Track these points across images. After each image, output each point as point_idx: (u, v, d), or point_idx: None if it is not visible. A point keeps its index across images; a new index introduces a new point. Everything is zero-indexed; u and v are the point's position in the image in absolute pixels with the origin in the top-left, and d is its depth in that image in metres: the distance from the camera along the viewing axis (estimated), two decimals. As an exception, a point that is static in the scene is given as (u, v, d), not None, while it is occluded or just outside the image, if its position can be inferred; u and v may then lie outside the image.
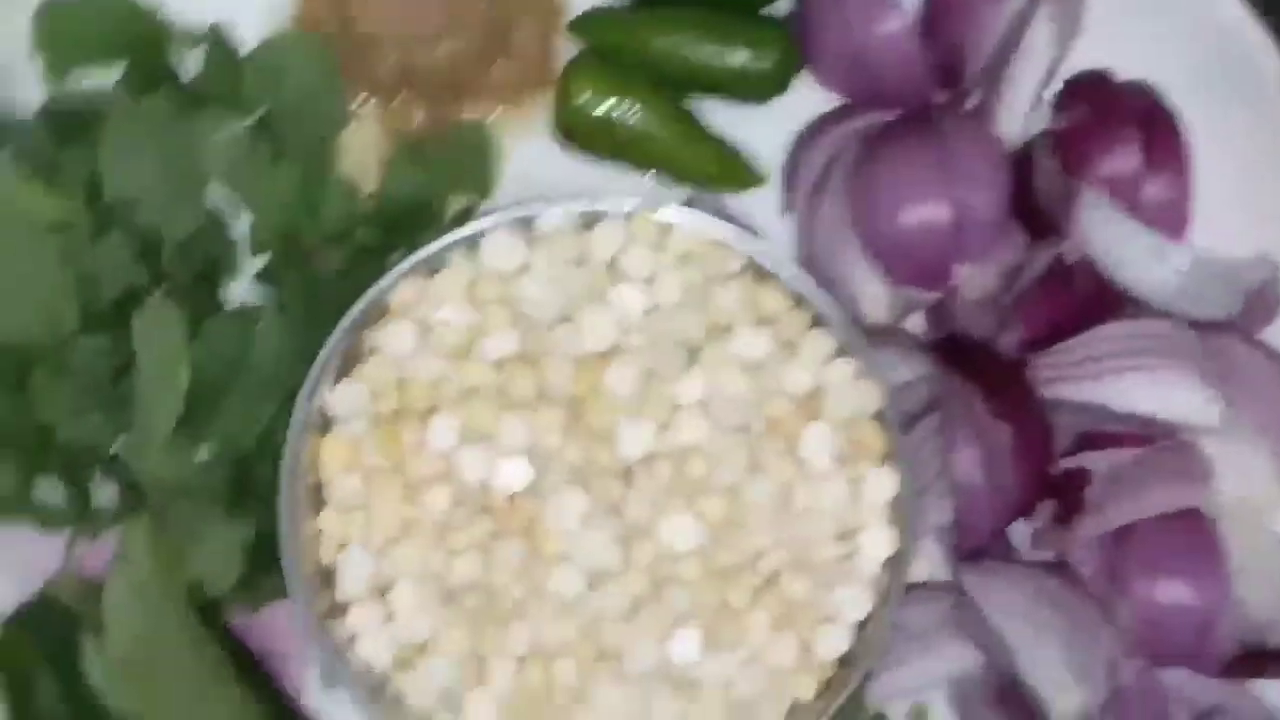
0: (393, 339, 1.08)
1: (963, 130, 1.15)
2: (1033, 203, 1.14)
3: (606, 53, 1.18)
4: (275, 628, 1.14)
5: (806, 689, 1.07)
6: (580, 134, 1.17)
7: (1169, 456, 1.11)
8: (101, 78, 1.16)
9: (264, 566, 1.09)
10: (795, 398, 1.08)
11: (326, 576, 1.08)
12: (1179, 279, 1.13)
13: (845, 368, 1.08)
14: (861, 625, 1.08)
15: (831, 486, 1.07)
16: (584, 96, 1.17)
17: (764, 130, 1.19)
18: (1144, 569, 1.11)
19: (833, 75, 1.20)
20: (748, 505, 1.06)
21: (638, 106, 1.18)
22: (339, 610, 1.07)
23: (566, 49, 1.20)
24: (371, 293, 1.08)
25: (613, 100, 1.17)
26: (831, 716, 1.07)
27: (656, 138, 1.18)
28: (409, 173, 1.17)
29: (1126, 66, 1.18)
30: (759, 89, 1.19)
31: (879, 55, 1.17)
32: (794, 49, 1.18)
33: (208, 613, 1.10)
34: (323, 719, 1.14)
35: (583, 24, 1.19)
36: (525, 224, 1.10)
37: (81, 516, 1.12)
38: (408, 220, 1.15)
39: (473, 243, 1.09)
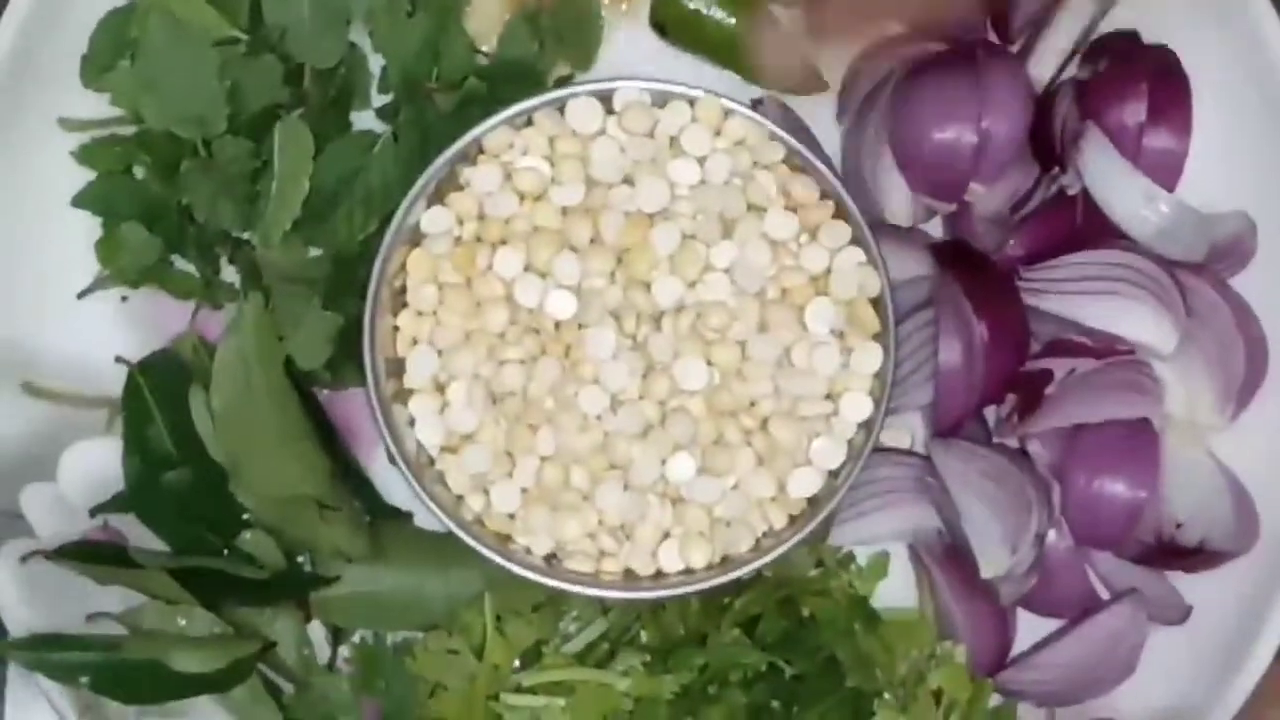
0: (481, 176, 1.24)
1: (999, 67, 1.28)
2: (1048, 139, 1.29)
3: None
4: (355, 406, 1.31)
5: (778, 520, 1.23)
6: (673, 26, 1.32)
7: (1126, 371, 1.26)
8: None
9: (348, 353, 1.26)
10: (809, 274, 1.23)
11: (397, 367, 1.24)
12: (1160, 221, 1.26)
13: (854, 255, 1.23)
14: (832, 475, 1.23)
15: (826, 352, 1.22)
16: (680, -8, 1.31)
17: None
18: (1088, 462, 1.26)
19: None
20: (753, 359, 1.22)
21: (726, 7, 1.33)
22: (404, 396, 1.24)
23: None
24: (470, 134, 1.23)
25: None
26: (794, 545, 1.23)
27: (740, 37, 1.33)
28: (522, 37, 1.31)
29: (1155, 33, 1.31)
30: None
31: (942, -10, 1.32)
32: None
33: (298, 384, 1.26)
34: (383, 486, 1.31)
35: (690, -71, 1.33)
36: (606, 95, 1.26)
37: (207, 289, 1.29)
38: (515, 79, 1.30)
39: (560, 105, 1.25)
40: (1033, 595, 1.27)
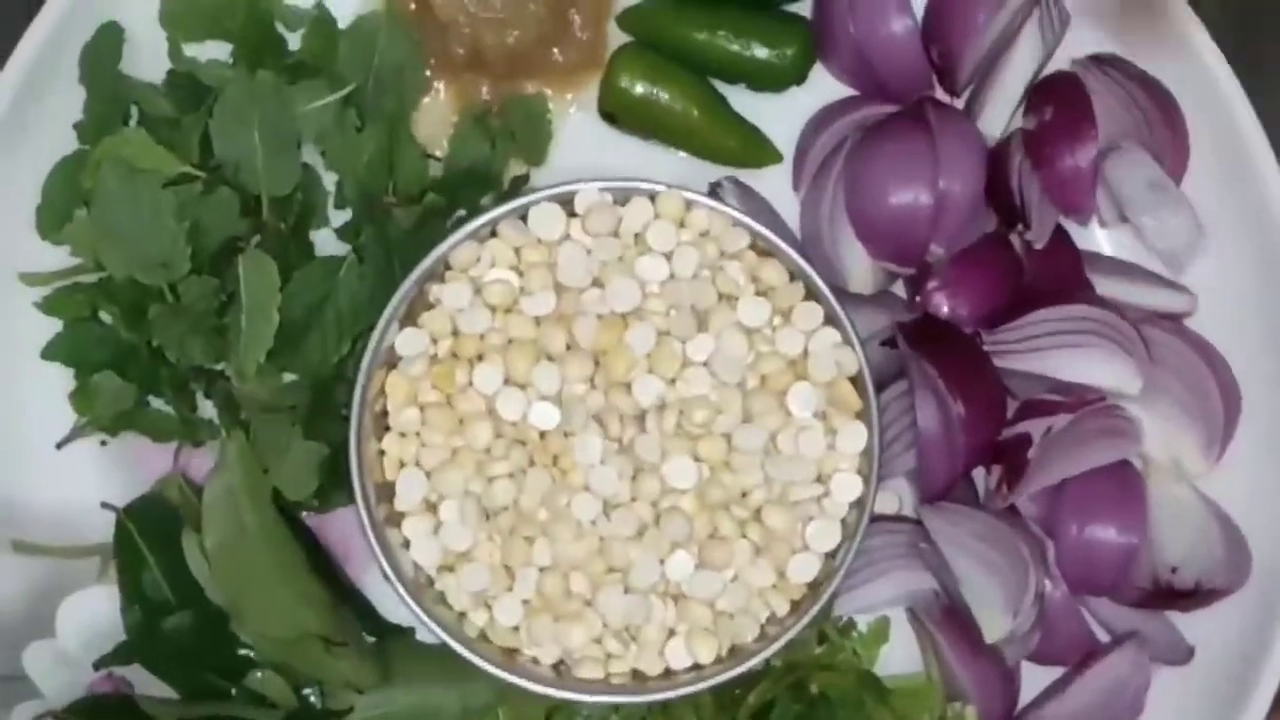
0: (451, 294, 1.24)
1: (950, 125, 1.30)
2: (1005, 193, 1.30)
3: (648, 43, 1.34)
4: (343, 530, 1.31)
5: (780, 606, 1.24)
6: (622, 112, 1.33)
7: (1101, 419, 1.27)
8: (219, 51, 1.31)
9: (335, 478, 1.26)
10: (786, 359, 1.24)
11: (387, 490, 1.25)
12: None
13: (830, 335, 1.24)
14: (830, 556, 1.25)
15: (811, 436, 1.23)
16: (626, 80, 1.33)
17: (783, 115, 1.35)
18: (1077, 512, 1.28)
19: (842, 67, 1.35)
20: (740, 450, 1.23)
21: (673, 90, 1.34)
22: (396, 519, 1.25)
23: (614, 39, 1.35)
24: (436, 252, 1.24)
25: (651, 84, 1.33)
26: (799, 631, 1.24)
27: (689, 118, 1.34)
28: (474, 140, 1.32)
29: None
30: (779, 79, 1.35)
31: (884, 52, 1.32)
32: (811, 45, 1.33)
33: (287, 515, 1.26)
34: (380, 602, 1.31)
35: (628, 18, 1.34)
36: (567, 199, 1.26)
37: (186, 428, 1.29)
38: (471, 183, 1.31)
39: (522, 213, 1.26)
40: (1037, 650, 1.27)
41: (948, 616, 1.28)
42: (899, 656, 1.31)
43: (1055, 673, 1.32)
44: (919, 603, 1.30)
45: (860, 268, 1.31)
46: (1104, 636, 1.32)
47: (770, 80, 1.35)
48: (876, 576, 1.30)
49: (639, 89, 1.33)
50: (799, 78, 1.35)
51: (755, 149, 1.34)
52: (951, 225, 1.28)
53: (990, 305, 1.28)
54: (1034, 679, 1.32)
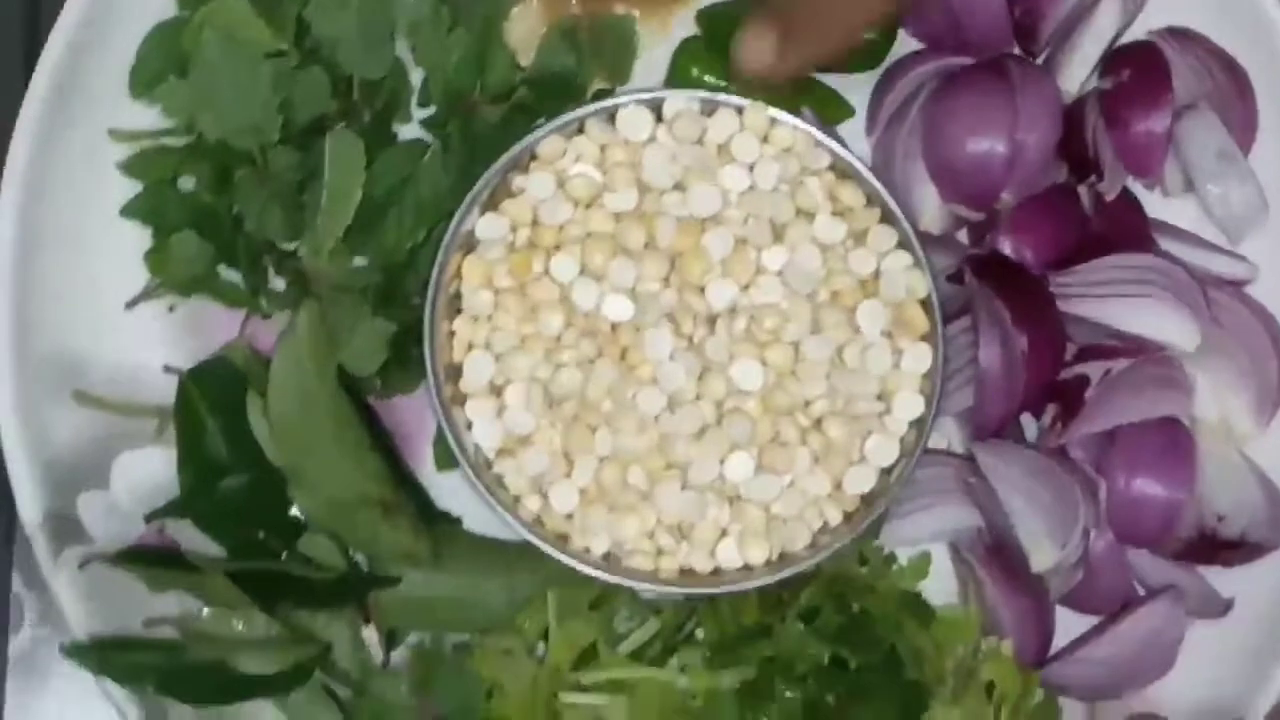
0: (534, 183, 1.26)
1: (1029, 80, 1.32)
2: (1079, 148, 1.33)
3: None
4: (405, 411, 1.32)
5: (834, 516, 1.25)
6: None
7: (1158, 368, 1.29)
8: None
9: (400, 361, 1.28)
10: (858, 277, 1.26)
11: (454, 371, 1.26)
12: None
13: (902, 258, 1.27)
14: (885, 472, 1.26)
15: (877, 353, 1.25)
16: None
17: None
18: (1125, 463, 1.29)
19: (923, 24, 1.38)
20: (807, 359, 1.24)
21: None
22: (460, 400, 1.26)
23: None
24: (524, 141, 1.26)
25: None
26: (850, 542, 1.26)
27: None
28: (560, 51, 1.34)
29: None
30: (862, 63, 1.38)
31: (970, 14, 1.35)
32: (894, 29, 1.36)
33: (352, 391, 1.27)
34: (431, 494, 1.32)
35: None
36: (656, 105, 1.28)
37: (257, 298, 1.31)
38: (555, 91, 1.33)
39: (611, 114, 1.28)
40: (1074, 592, 1.29)
41: (990, 553, 1.30)
42: (936, 592, 1.32)
43: (1088, 623, 1.32)
44: (962, 538, 1.30)
45: (931, 209, 1.34)
46: (1139, 591, 1.32)
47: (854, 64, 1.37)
48: (923, 509, 1.31)
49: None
50: (877, 61, 1.38)
51: (830, 105, 1.35)
52: (1025, 175, 1.31)
53: (1056, 251, 1.31)
54: (1068, 628, 1.32)
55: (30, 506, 1.25)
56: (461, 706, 1.25)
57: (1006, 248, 1.30)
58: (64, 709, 1.35)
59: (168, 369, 1.28)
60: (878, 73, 1.38)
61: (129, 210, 1.29)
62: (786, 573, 1.23)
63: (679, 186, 1.26)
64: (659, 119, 1.28)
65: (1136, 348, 1.29)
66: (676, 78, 1.35)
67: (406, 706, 1.24)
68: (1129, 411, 1.28)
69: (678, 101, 1.27)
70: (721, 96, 1.28)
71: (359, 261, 1.30)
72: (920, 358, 1.26)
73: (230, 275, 1.31)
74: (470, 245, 1.27)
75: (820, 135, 1.27)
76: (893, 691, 1.23)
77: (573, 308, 1.25)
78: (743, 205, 1.26)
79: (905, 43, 1.39)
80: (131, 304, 1.30)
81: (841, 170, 1.27)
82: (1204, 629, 1.31)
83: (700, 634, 1.26)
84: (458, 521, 1.30)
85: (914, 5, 1.35)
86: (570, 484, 1.24)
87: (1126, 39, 1.36)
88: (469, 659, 1.25)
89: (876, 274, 1.27)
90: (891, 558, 1.31)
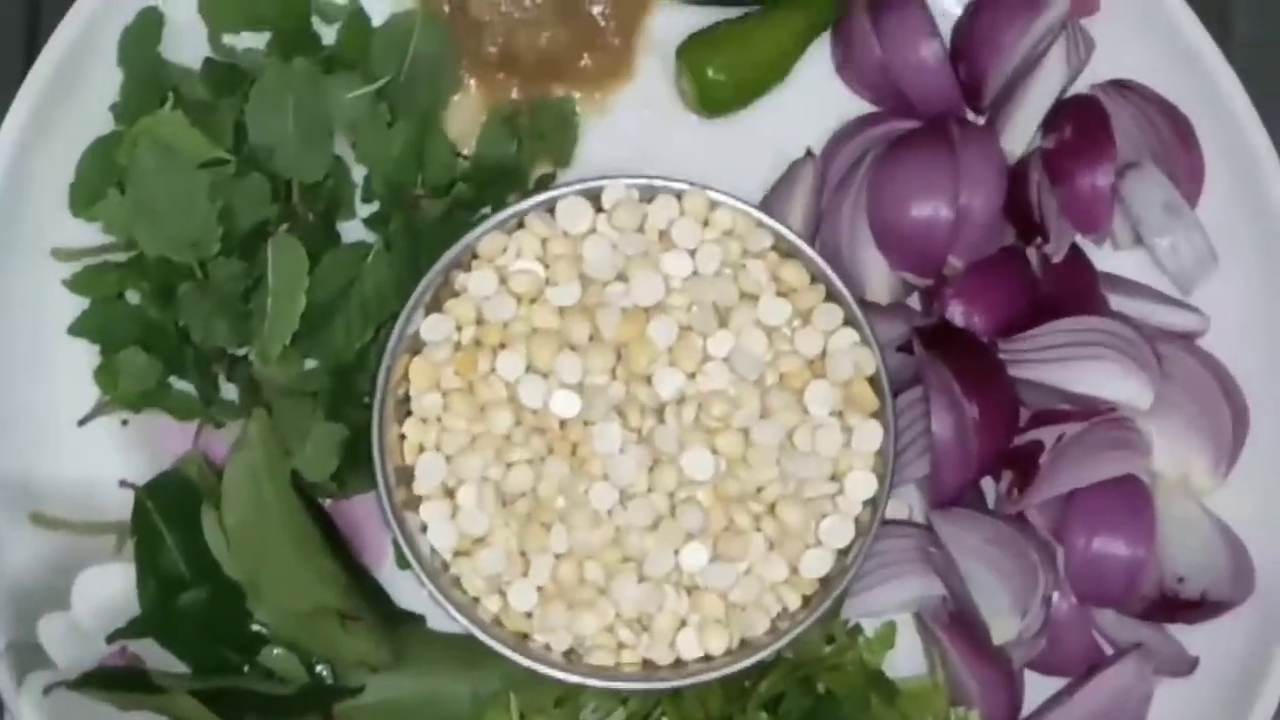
0: (477, 281, 1.26)
1: (973, 142, 1.32)
2: (1025, 209, 1.33)
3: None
4: (360, 514, 1.32)
5: (792, 601, 1.25)
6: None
7: (1112, 430, 1.29)
8: (255, 41, 1.33)
9: (354, 462, 1.27)
10: (805, 358, 1.26)
11: (406, 474, 1.26)
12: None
13: (848, 335, 1.26)
14: (842, 553, 1.26)
15: (827, 434, 1.25)
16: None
17: (809, 127, 1.38)
18: (1084, 524, 1.29)
19: (864, 83, 1.38)
20: (757, 445, 1.24)
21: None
22: (414, 503, 1.26)
23: (643, 50, 1.38)
24: (464, 240, 1.26)
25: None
26: (810, 625, 1.26)
27: None
28: (501, 139, 1.34)
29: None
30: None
31: (912, 75, 1.35)
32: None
33: (306, 495, 1.28)
34: (392, 591, 1.32)
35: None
36: (594, 194, 1.28)
37: (209, 410, 1.30)
38: (497, 180, 1.32)
39: (549, 206, 1.28)
40: (1041, 656, 1.29)
41: (954, 621, 1.29)
42: (903, 662, 1.32)
43: (1057, 684, 1.33)
44: (926, 608, 1.31)
45: (878, 277, 1.33)
46: (1107, 649, 1.32)
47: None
48: (885, 580, 1.31)
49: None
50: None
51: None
52: (971, 238, 1.30)
53: (1005, 316, 1.30)
54: (1037, 690, 1.32)
55: (-10, 635, 1.24)
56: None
57: (955, 314, 1.30)
58: None
59: (123, 484, 1.28)
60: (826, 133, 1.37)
61: (76, 329, 1.29)
62: (748, 661, 1.24)
63: (621, 276, 1.27)
64: (599, 209, 1.27)
65: (1090, 409, 1.28)
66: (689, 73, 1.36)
67: (378, 815, 1.24)
68: (1084, 474, 1.29)
69: (616, 190, 1.27)
70: (660, 182, 1.28)
71: (310, 364, 1.30)
72: (871, 435, 1.25)
73: (182, 385, 1.32)
74: (416, 347, 1.27)
75: (761, 216, 1.27)
76: (863, 776, 1.22)
77: (521, 406, 1.25)
78: (686, 291, 1.26)
79: (850, 105, 1.37)
80: (84, 421, 1.31)
81: (784, 250, 1.27)
82: (1172, 686, 1.30)
83: (666, 723, 1.25)
84: (421, 619, 1.30)
85: (851, 66, 1.35)
86: (528, 582, 1.25)
87: (1071, 92, 1.35)
88: (439, 760, 1.24)
89: (824, 354, 1.26)
90: (857, 629, 1.31)
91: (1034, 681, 1.33)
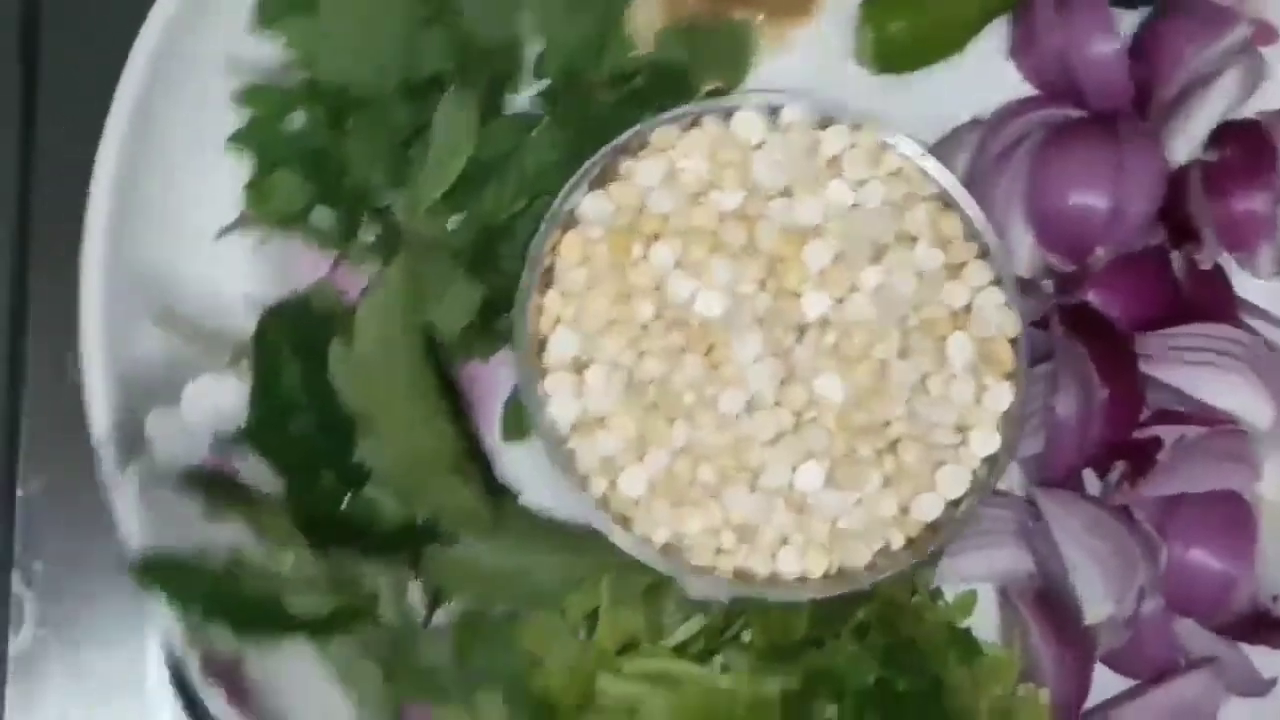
0: (644, 170, 1.27)
1: (1139, 141, 1.33)
2: (1181, 215, 1.34)
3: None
4: (476, 379, 1.33)
5: (896, 540, 1.25)
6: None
7: (1230, 442, 1.29)
8: None
9: (483, 324, 1.28)
10: (950, 308, 1.27)
11: (538, 344, 1.27)
12: None
13: (995, 295, 1.27)
14: (953, 504, 1.26)
15: (962, 385, 1.25)
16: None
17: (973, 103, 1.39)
18: (1185, 531, 1.29)
19: (1038, 71, 1.39)
20: (891, 381, 1.25)
21: None
22: (541, 373, 1.27)
23: None
24: (638, 126, 1.27)
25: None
26: (908, 568, 1.26)
27: None
28: (677, 47, 1.35)
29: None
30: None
31: (1089, 68, 1.35)
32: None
33: (431, 350, 1.28)
34: (498, 459, 1.32)
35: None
36: (772, 110, 1.29)
37: (348, 244, 1.31)
38: (669, 86, 1.33)
39: (727, 114, 1.28)
40: (1116, 653, 1.29)
41: (1039, 600, 1.29)
42: (977, 632, 1.31)
43: (1124, 686, 1.32)
44: (1012, 582, 1.30)
45: (1022, 254, 1.34)
46: (1181, 660, 1.32)
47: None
48: (980, 548, 1.31)
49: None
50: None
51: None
52: (1123, 233, 1.31)
53: (1143, 312, 1.31)
54: (1104, 690, 1.32)
55: (100, 416, 1.24)
56: (501, 676, 1.23)
57: (1096, 301, 1.30)
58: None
59: (250, 302, 1.27)
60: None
61: (237, 139, 1.29)
62: (844, 588, 1.22)
63: (785, 194, 1.26)
64: (773, 125, 1.27)
65: (1210, 418, 1.28)
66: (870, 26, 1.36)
67: (447, 669, 1.22)
68: (1198, 480, 1.28)
69: (795, 110, 1.28)
70: (839, 111, 1.28)
71: (454, 223, 1.29)
72: (1002, 396, 1.26)
73: (322, 219, 1.31)
74: (571, 223, 1.27)
75: (930, 165, 1.27)
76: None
77: (665, 298, 1.25)
78: (846, 221, 1.27)
79: (1016, 89, 1.38)
80: (223, 232, 1.30)
81: (946, 201, 1.27)
82: (1240, 706, 1.30)
83: (747, 637, 1.24)
84: (516, 496, 1.28)
85: (1028, 52, 1.36)
86: (641, 471, 1.24)
87: (1239, 114, 1.35)
88: (513, 630, 1.23)
89: (968, 308, 1.26)
90: (938, 593, 1.30)
91: (1100, 682, 1.31)
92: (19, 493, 1.34)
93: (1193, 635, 1.32)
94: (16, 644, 1.35)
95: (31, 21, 1.38)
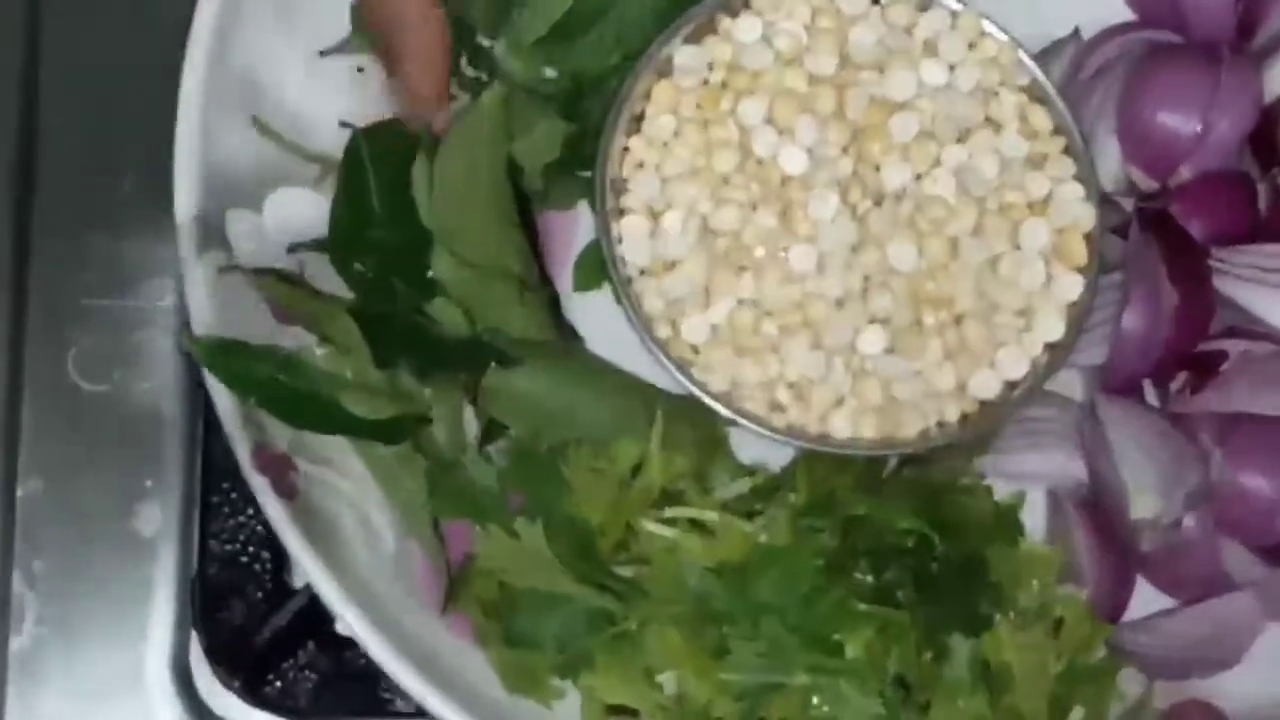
0: (743, 27, 1.28)
1: (1238, 69, 1.33)
2: (1270, 142, 1.34)
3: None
4: (556, 229, 1.35)
5: (951, 414, 1.26)
6: None
7: (1293, 365, 1.30)
8: None
9: (564, 169, 1.30)
10: (1029, 197, 1.27)
11: (618, 187, 1.28)
12: None
13: (1075, 189, 1.28)
14: (1010, 386, 1.26)
15: (1032, 270, 1.26)
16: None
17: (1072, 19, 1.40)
18: (1238, 452, 1.29)
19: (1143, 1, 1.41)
20: (962, 258, 1.25)
21: None
22: (617, 215, 1.28)
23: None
24: (737, -15, 1.28)
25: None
26: (959, 444, 1.26)
27: None
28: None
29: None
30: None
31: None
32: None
33: (514, 184, 1.29)
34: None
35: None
36: (876, -16, 1.30)
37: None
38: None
39: (827, -19, 1.30)
40: (1160, 567, 1.29)
41: (1087, 505, 1.29)
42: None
43: (1164, 605, 1.31)
44: (1061, 486, 1.30)
45: (1109, 165, 1.34)
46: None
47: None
48: (1034, 446, 1.31)
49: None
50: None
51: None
52: (1209, 155, 1.32)
53: (1222, 230, 1.31)
54: (1145, 607, 1.31)
55: (185, 203, 1.25)
56: (543, 508, 1.23)
57: (1177, 213, 1.30)
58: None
59: (343, 124, 1.28)
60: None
61: (350, -35, 1.30)
62: (895, 452, 1.23)
63: (878, 67, 1.27)
64: (876, 1, 1.29)
65: (1276, 339, 1.28)
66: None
67: (492, 491, 1.23)
68: (1259, 398, 1.28)
69: (897, -13, 1.28)
70: (942, -3, 1.29)
71: (550, 72, 1.31)
72: (1071, 287, 1.26)
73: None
74: (665, 71, 1.28)
75: (1025, 56, 1.28)
76: (968, 598, 1.21)
77: (749, 152, 1.26)
78: (936, 100, 1.27)
79: (1121, 11, 1.39)
80: (326, 53, 1.31)
81: (1037, 95, 1.28)
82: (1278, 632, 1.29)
83: (793, 498, 1.24)
84: (580, 340, 1.29)
85: None
86: (705, 317, 1.25)
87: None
88: (562, 462, 1.24)
89: (1047, 200, 1.27)
90: (989, 489, 1.30)
91: (1141, 599, 1.31)
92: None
93: (1237, 559, 1.31)
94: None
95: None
